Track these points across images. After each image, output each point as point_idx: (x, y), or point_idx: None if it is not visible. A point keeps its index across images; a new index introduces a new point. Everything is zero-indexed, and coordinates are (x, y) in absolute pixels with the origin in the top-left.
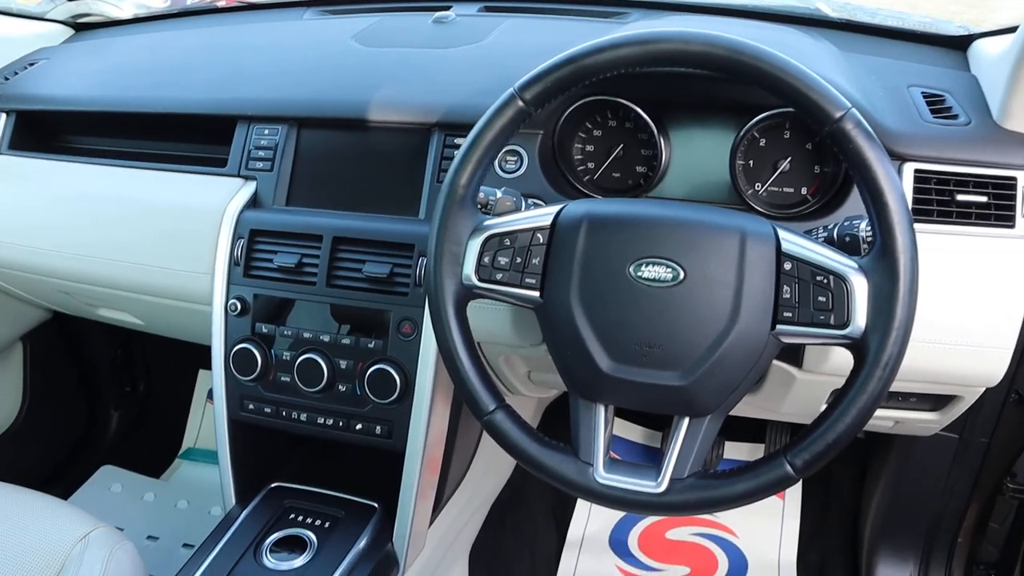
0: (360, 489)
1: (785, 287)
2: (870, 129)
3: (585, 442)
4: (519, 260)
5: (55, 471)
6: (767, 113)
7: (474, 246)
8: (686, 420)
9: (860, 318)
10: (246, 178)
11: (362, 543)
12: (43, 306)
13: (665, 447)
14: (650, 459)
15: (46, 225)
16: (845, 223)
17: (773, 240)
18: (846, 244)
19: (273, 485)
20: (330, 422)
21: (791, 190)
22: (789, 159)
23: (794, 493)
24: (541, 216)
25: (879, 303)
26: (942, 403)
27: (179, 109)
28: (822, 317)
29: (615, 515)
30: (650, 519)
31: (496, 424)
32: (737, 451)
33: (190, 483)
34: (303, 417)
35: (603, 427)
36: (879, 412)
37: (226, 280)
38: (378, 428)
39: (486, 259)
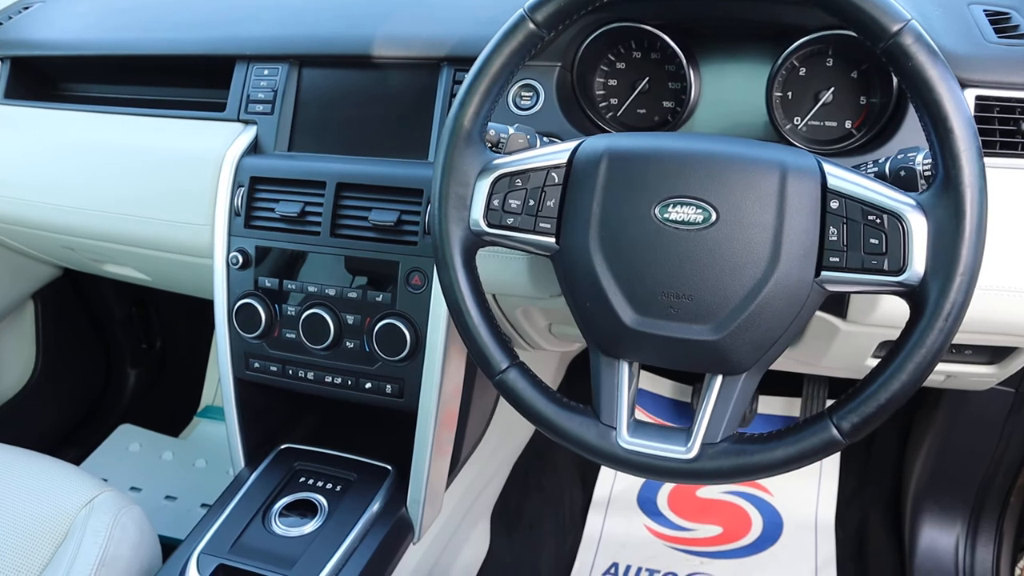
0: (373, 451)
1: (831, 228)
2: (932, 43)
3: (607, 403)
4: (532, 202)
5: (72, 430)
6: (808, 37)
7: (482, 187)
8: (719, 378)
9: (918, 262)
10: (246, 122)
11: (375, 507)
12: (51, 262)
13: (696, 406)
14: (679, 417)
15: (44, 177)
16: (899, 156)
17: (818, 175)
18: (900, 179)
19: (283, 447)
20: (338, 381)
21: (834, 124)
22: (832, 89)
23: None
24: (556, 153)
25: (940, 245)
26: (1001, 355)
27: (175, 51)
28: (874, 262)
29: (638, 480)
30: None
31: (509, 384)
32: (771, 406)
33: (208, 442)
34: (310, 376)
35: (627, 386)
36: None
37: (226, 232)
38: (388, 387)
39: (495, 202)
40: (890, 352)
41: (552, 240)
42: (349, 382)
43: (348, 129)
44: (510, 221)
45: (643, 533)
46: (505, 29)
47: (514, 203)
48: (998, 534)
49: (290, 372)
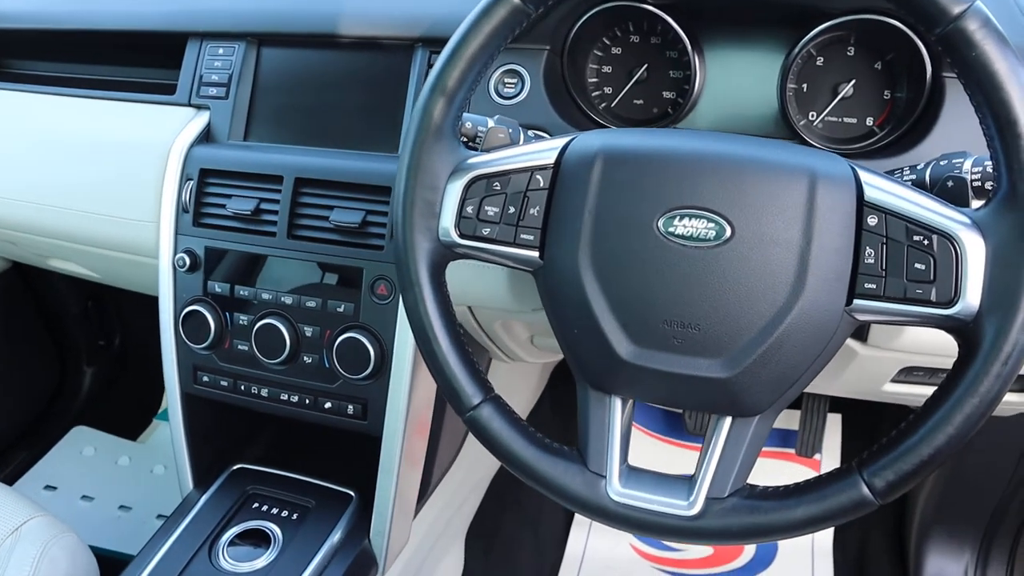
0: (335, 474)
1: (868, 249)
2: (1002, 31)
3: (596, 446)
4: (512, 210)
5: (22, 433)
6: (830, 23)
7: (454, 191)
8: (728, 421)
9: (973, 294)
10: (197, 107)
11: (335, 538)
12: None
13: (701, 454)
14: (670, 428)
15: None
16: (942, 161)
17: (853, 185)
18: (947, 191)
19: (235, 467)
20: (295, 399)
21: (853, 120)
22: (853, 82)
23: (831, 461)
24: (542, 152)
25: (1001, 273)
26: None
27: (120, 25)
28: (919, 291)
29: None
30: None
31: (481, 422)
32: None
33: (168, 446)
34: (264, 393)
35: (619, 427)
36: None
37: (173, 230)
38: (350, 407)
39: (469, 208)
40: (935, 398)
41: (535, 254)
42: (307, 401)
43: (311, 117)
44: (486, 231)
45: (629, 553)
46: (484, 3)
47: (491, 210)
48: (1010, 564)
49: (242, 388)
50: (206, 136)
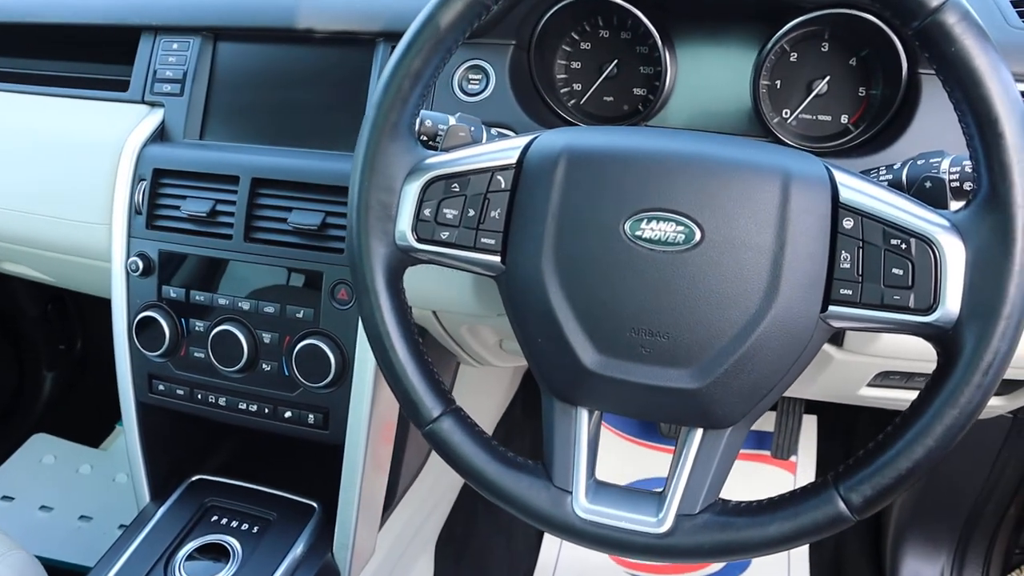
0: (297, 484)
1: (844, 253)
2: (982, 24)
3: (561, 460)
4: (472, 212)
5: None
6: (803, 18)
7: (411, 193)
8: (699, 433)
9: (952, 300)
10: (151, 105)
11: (297, 551)
12: None
13: (671, 468)
14: (645, 432)
15: None
16: (919, 161)
17: (828, 186)
18: (924, 192)
19: (194, 478)
20: (254, 408)
21: (828, 118)
22: (827, 79)
23: (805, 471)
24: (503, 151)
25: (981, 278)
26: (1013, 387)
27: (71, 19)
28: (896, 297)
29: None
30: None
31: (441, 435)
32: None
33: None
34: (222, 401)
35: (586, 439)
36: None
37: (125, 233)
38: (311, 417)
39: (427, 211)
40: (913, 409)
41: (496, 259)
42: (266, 410)
43: (269, 115)
44: (445, 235)
45: (603, 560)
46: None
47: (450, 213)
48: (986, 566)
49: (199, 397)
50: (160, 135)
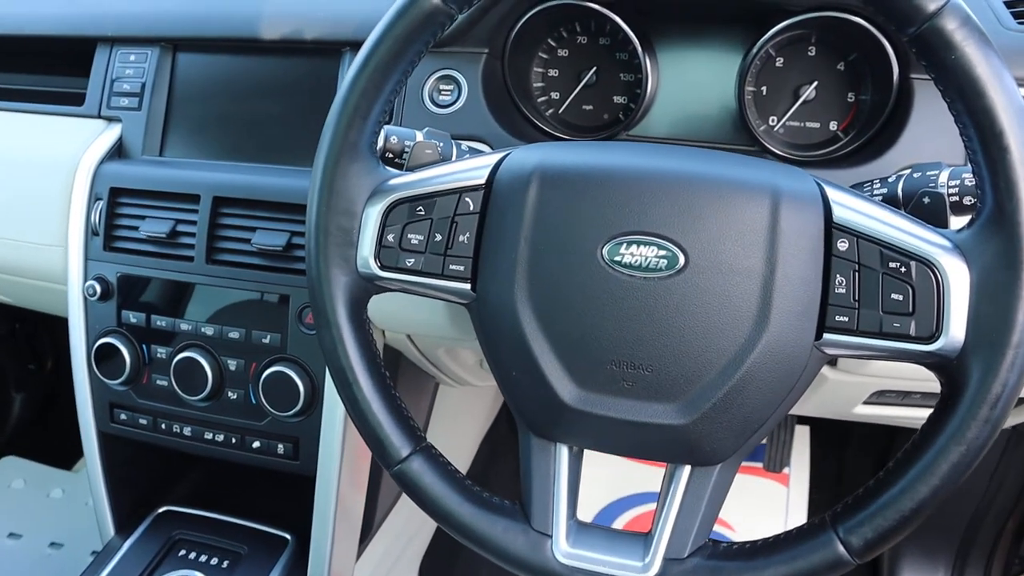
0: (270, 516)
1: (838, 277)
2: (983, 29)
3: (540, 501)
4: (439, 237)
5: None
6: (789, 21)
7: (372, 217)
8: (686, 471)
9: (957, 327)
10: (108, 120)
11: None
12: None
13: (657, 508)
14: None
15: None
16: (915, 175)
17: (820, 204)
18: (923, 208)
19: (161, 510)
20: (220, 438)
21: (816, 125)
22: (815, 84)
23: (799, 484)
24: (471, 171)
25: (988, 305)
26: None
27: (24, 30)
28: (896, 324)
29: (595, 507)
30: (635, 510)
31: (410, 476)
32: None
33: None
34: (187, 431)
35: (565, 479)
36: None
37: (82, 255)
38: (280, 447)
39: (391, 237)
40: (915, 445)
41: (466, 287)
42: (233, 440)
43: (232, 129)
44: (410, 262)
45: None
46: (400, 5)
47: (415, 238)
48: None
49: (163, 426)
50: (118, 151)
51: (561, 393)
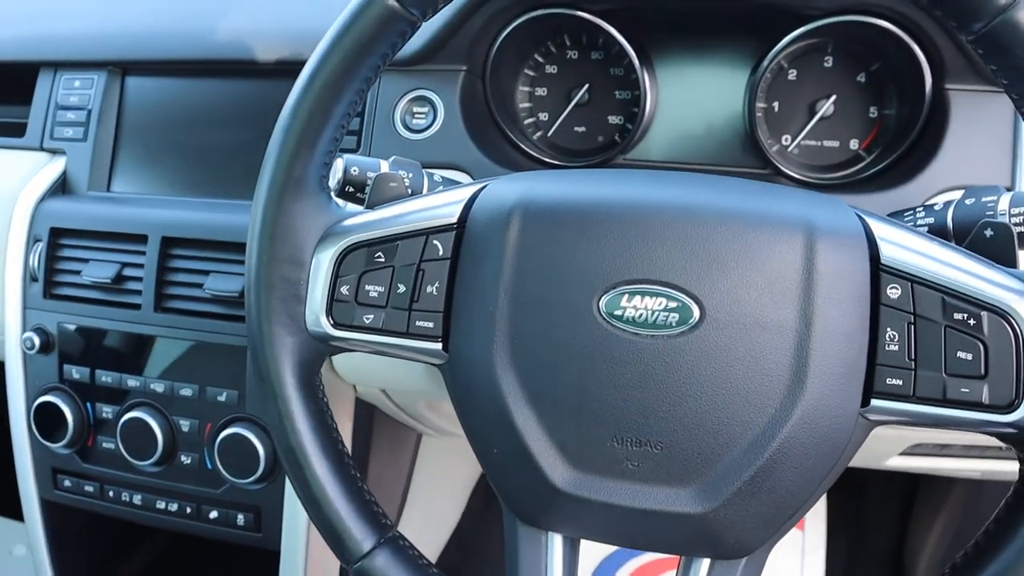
0: None
1: (889, 331)
2: None
3: None
4: (402, 288)
5: None
6: (803, 29)
7: (323, 265)
8: (704, 564)
9: None
10: (52, 152)
11: None
12: None
13: None
14: None
15: None
16: (967, 201)
17: (864, 242)
18: (985, 243)
19: None
20: (174, 508)
21: (835, 143)
22: (832, 99)
23: (815, 525)
24: (441, 208)
25: None
26: None
27: None
28: (965, 390)
29: (600, 552)
30: (643, 556)
31: (374, 575)
32: None
33: None
34: (137, 500)
35: (560, 572)
36: (969, 464)
37: (20, 304)
38: (240, 517)
39: (345, 288)
40: (989, 537)
41: (437, 346)
42: (188, 509)
43: (184, 160)
44: (368, 319)
45: None
46: (349, 11)
47: (374, 290)
48: None
49: (111, 494)
50: (61, 186)
51: (552, 476)
